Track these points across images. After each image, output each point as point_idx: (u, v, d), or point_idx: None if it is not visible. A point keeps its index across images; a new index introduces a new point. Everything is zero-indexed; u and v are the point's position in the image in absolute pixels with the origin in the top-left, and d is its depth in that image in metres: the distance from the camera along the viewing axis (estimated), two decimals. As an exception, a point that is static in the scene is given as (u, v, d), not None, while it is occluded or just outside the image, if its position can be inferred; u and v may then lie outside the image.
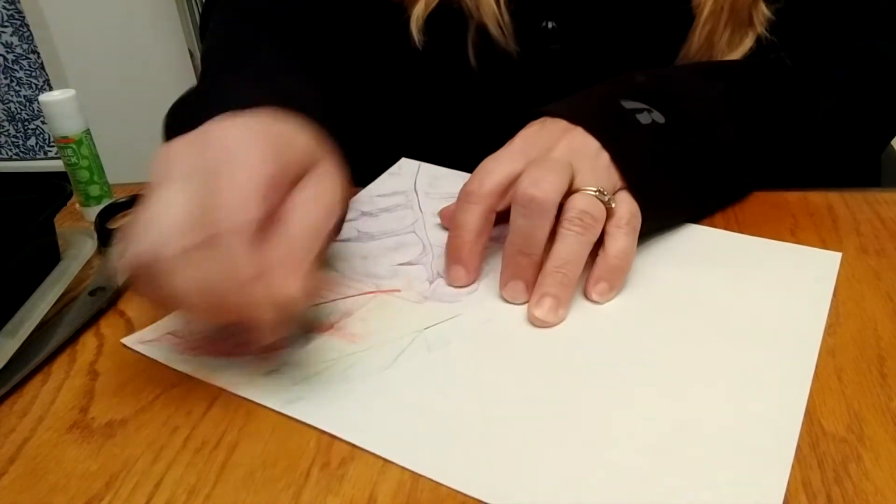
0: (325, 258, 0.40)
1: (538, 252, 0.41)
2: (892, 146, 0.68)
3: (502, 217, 0.44)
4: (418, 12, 0.54)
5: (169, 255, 0.32)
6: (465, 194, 0.43)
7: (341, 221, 0.42)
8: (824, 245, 0.45)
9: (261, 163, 0.33)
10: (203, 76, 0.53)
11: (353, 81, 0.63)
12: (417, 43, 0.54)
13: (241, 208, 0.32)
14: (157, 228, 0.32)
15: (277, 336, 0.33)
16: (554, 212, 0.40)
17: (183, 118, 0.41)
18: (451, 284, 0.44)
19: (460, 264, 0.43)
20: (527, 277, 0.41)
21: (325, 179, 0.36)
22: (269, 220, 0.33)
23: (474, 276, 0.44)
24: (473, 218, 0.43)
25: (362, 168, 0.56)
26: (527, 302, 0.41)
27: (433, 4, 0.53)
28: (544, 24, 0.54)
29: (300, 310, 0.33)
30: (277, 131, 0.36)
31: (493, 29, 0.53)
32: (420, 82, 0.59)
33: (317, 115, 0.39)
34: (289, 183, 0.34)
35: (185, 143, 0.35)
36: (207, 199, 0.32)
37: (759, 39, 0.52)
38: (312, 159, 0.36)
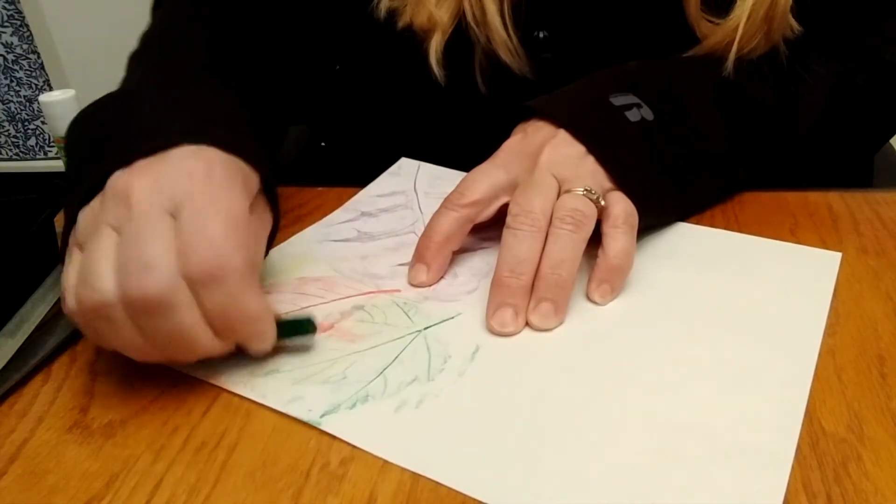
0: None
1: (529, 273, 0.40)
2: (887, 145, 0.68)
3: (495, 221, 0.44)
4: (436, 46, 0.53)
5: (171, 289, 0.32)
6: (444, 202, 0.44)
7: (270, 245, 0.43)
8: (824, 245, 0.45)
9: (235, 198, 0.36)
10: (135, 72, 0.50)
11: (348, 77, 0.63)
12: (439, 77, 0.54)
13: (231, 251, 0.34)
14: (149, 262, 0.32)
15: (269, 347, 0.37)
16: (544, 233, 0.40)
17: (116, 137, 0.39)
18: (411, 283, 0.44)
19: (423, 263, 0.43)
20: (516, 302, 0.39)
21: (266, 216, 0.40)
22: None
23: (435, 277, 0.44)
24: (447, 222, 0.43)
25: (362, 168, 0.57)
26: (516, 332, 0.39)
27: (448, 34, 0.53)
28: (536, 33, 0.54)
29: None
30: (234, 165, 0.37)
31: (504, 54, 0.53)
32: (418, 94, 0.59)
33: (250, 147, 0.40)
34: (250, 216, 0.37)
35: (147, 173, 0.35)
36: (194, 233, 0.33)
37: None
38: (258, 194, 0.39)
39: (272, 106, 0.53)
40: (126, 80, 0.49)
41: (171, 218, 0.34)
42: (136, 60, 0.51)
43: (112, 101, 0.42)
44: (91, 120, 0.42)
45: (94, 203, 0.36)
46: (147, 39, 0.54)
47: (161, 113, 0.40)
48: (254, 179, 0.39)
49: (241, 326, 0.35)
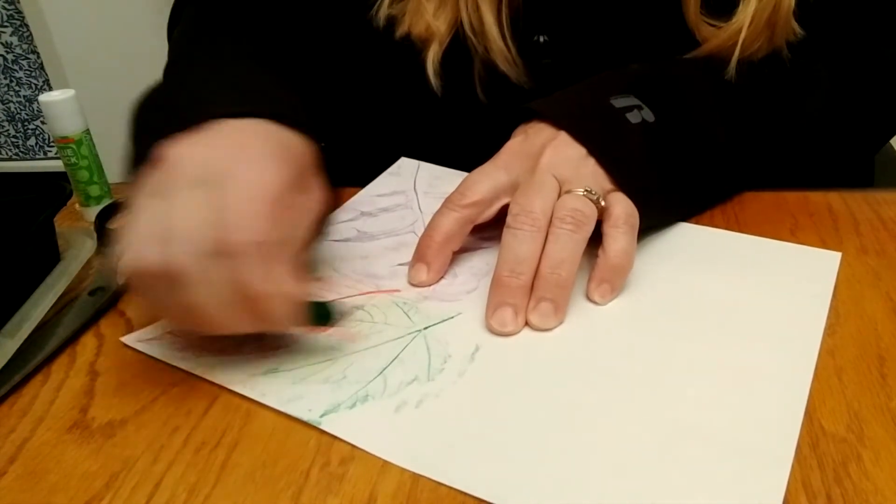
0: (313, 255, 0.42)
1: (529, 272, 0.40)
2: (888, 145, 0.68)
3: (495, 221, 0.44)
4: (433, 56, 0.53)
5: (185, 263, 0.33)
6: (445, 202, 0.44)
7: (326, 224, 0.43)
8: (824, 245, 0.45)
9: (276, 173, 0.36)
10: (175, 71, 0.53)
11: (347, 84, 0.63)
12: (435, 88, 0.54)
13: (256, 228, 0.34)
14: (170, 233, 0.33)
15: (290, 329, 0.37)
16: (544, 233, 0.40)
17: (168, 113, 0.41)
18: (411, 283, 0.44)
19: (423, 262, 0.44)
20: (515, 302, 0.39)
21: (319, 193, 0.39)
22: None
23: (436, 277, 0.44)
24: (448, 222, 0.44)
25: (362, 168, 0.57)
26: (515, 332, 0.39)
27: (445, 44, 0.53)
28: (536, 38, 0.54)
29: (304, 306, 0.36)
30: (285, 140, 0.38)
31: (502, 63, 0.53)
32: (418, 101, 0.59)
33: (304, 121, 0.40)
34: (294, 193, 0.37)
35: (192, 144, 0.36)
36: (222, 208, 0.34)
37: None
38: (311, 171, 0.39)
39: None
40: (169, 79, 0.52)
41: (209, 189, 0.34)
42: (172, 69, 0.54)
43: (169, 82, 0.46)
44: (148, 103, 0.44)
45: (141, 173, 0.37)
46: (176, 55, 0.56)
47: (211, 86, 0.42)
48: (306, 153, 0.39)
49: (256, 305, 0.35)
